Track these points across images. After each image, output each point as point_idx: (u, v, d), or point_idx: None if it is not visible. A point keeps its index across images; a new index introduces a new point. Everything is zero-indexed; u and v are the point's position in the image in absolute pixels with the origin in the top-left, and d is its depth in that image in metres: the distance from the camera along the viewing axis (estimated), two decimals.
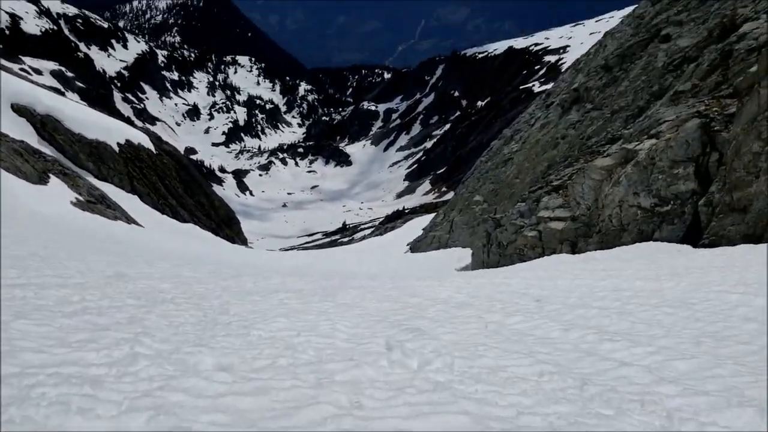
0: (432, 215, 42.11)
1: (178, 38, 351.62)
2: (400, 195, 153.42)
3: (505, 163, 17.43)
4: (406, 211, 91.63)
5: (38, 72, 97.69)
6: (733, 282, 5.21)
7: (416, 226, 34.69)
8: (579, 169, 10.58)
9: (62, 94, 64.89)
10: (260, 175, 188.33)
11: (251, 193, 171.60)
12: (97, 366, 2.60)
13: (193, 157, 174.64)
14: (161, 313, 4.04)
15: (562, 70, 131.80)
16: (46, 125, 30.39)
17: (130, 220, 25.75)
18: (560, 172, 11.75)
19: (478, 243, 13.58)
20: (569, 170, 11.35)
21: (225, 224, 47.06)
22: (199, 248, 19.13)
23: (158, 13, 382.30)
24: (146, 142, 37.48)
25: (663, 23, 12.72)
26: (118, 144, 33.86)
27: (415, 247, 22.30)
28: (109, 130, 34.45)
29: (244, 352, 3.12)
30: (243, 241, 50.02)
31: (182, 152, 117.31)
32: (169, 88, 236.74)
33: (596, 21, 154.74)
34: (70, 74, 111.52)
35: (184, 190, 40.90)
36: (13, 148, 22.31)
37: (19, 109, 29.78)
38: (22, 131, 28.51)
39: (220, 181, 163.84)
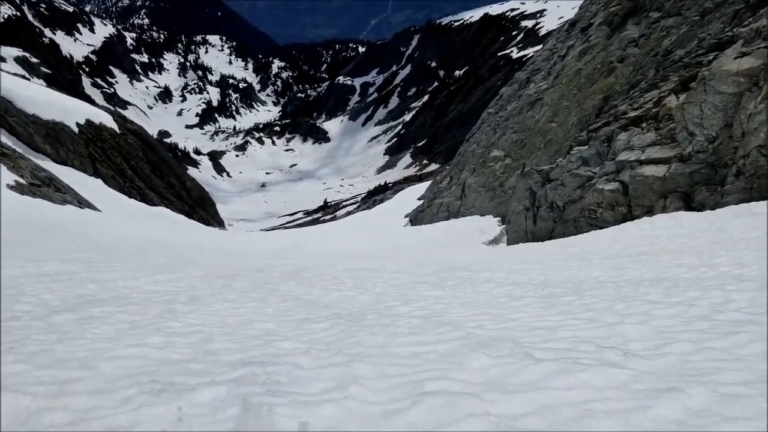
0: (422, 185, 38.76)
1: (146, 20, 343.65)
2: (381, 170, 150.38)
3: (531, 105, 13.97)
4: (389, 185, 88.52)
5: (2, 59, 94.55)
6: None
7: (408, 198, 31.36)
8: (684, 85, 7.20)
9: (27, 80, 60.48)
10: (237, 155, 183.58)
11: (228, 175, 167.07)
12: None
13: (167, 140, 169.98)
14: None
15: (540, 35, 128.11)
16: None
17: (83, 204, 22.34)
18: (637, 99, 8.37)
19: (518, 206, 10.21)
20: (655, 93, 7.97)
21: (199, 206, 43.83)
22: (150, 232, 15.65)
23: None
24: (109, 122, 34.50)
25: None
26: (78, 124, 30.94)
27: (417, 218, 18.90)
28: (67, 110, 31.63)
29: None
30: (219, 223, 46.80)
31: (156, 136, 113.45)
32: (139, 71, 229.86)
33: None
34: (35, 60, 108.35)
35: (152, 171, 38.19)
36: None
37: None
38: None
39: (195, 164, 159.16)
